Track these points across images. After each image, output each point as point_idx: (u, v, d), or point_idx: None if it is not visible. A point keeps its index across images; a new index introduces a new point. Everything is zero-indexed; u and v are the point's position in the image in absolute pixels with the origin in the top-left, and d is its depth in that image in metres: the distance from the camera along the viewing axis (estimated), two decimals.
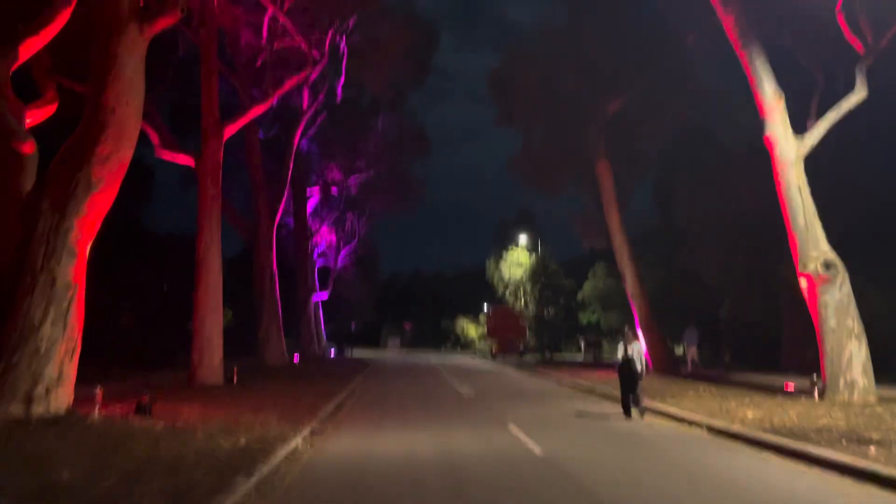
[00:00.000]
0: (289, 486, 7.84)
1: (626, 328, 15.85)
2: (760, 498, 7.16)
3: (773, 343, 30.43)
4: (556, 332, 51.32)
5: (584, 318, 54.94)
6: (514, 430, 12.13)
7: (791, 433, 10.56)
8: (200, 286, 20.61)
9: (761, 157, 25.15)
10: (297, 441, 10.58)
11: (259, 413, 13.38)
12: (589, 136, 25.81)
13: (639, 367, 13.70)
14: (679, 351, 45.26)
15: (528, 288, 51.69)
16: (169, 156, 21.82)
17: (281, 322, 30.88)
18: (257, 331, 30.68)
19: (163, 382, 21.10)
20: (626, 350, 13.77)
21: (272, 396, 17.02)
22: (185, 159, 21.79)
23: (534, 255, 53.08)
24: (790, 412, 13.15)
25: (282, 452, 9.43)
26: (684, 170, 27.69)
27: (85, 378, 12.72)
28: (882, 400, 14.84)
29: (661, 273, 28.94)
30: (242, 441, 9.92)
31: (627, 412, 13.73)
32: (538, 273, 50.13)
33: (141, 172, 43.22)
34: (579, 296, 49.62)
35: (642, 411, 13.82)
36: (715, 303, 28.85)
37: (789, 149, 16.53)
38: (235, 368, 21.46)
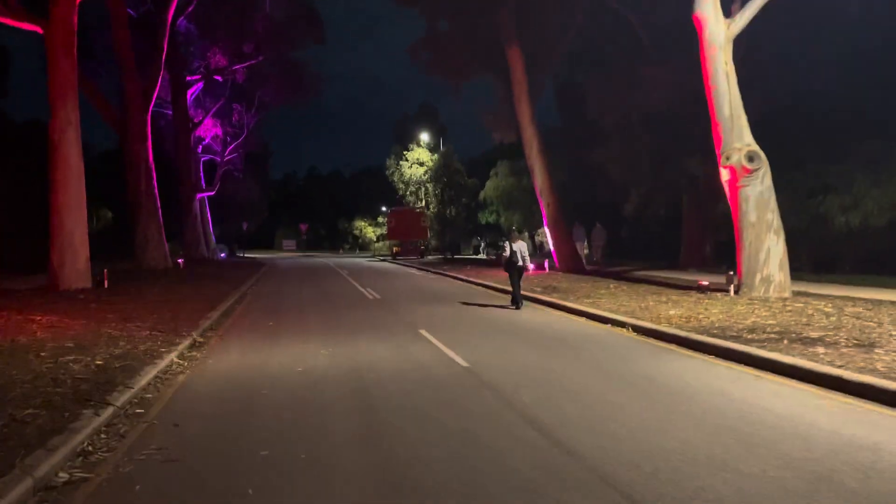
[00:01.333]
0: (152, 421, 6.12)
1: (512, 228, 18.06)
2: (729, 413, 6.14)
3: (673, 241, 30.75)
4: (458, 233, 50.54)
5: (485, 217, 54.40)
6: (427, 335, 10.81)
7: (723, 333, 9.81)
8: (57, 178, 17.66)
9: (675, 50, 24.31)
10: (170, 358, 8.78)
11: (128, 323, 11.42)
12: (499, 17, 23.77)
13: (520, 262, 15.26)
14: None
15: (430, 188, 50.22)
16: (11, 21, 18.10)
17: (161, 221, 27.97)
18: (134, 233, 27.71)
19: (21, 289, 18.43)
20: (511, 248, 15.35)
21: (148, 303, 14.95)
22: (31, 26, 18.15)
23: (436, 154, 51.36)
24: (712, 310, 12.57)
25: (148, 374, 7.64)
26: (596, 62, 26.34)
27: None
28: (796, 295, 14.60)
29: (569, 170, 28.01)
30: (99, 360, 8.04)
31: (516, 303, 15.15)
32: (440, 172, 48.57)
33: None
34: (481, 195, 48.63)
35: (520, 302, 15.20)
36: (621, 200, 28.42)
37: (719, 30, 15.36)
38: (106, 271, 18.97)
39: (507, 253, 15.48)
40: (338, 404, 6.62)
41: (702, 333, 9.95)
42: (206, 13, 36.96)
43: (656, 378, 7.60)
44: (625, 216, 28.90)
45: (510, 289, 15.49)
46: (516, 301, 15.17)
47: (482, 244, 55.45)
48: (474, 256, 48.50)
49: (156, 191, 27.81)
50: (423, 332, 11.16)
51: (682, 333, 10.10)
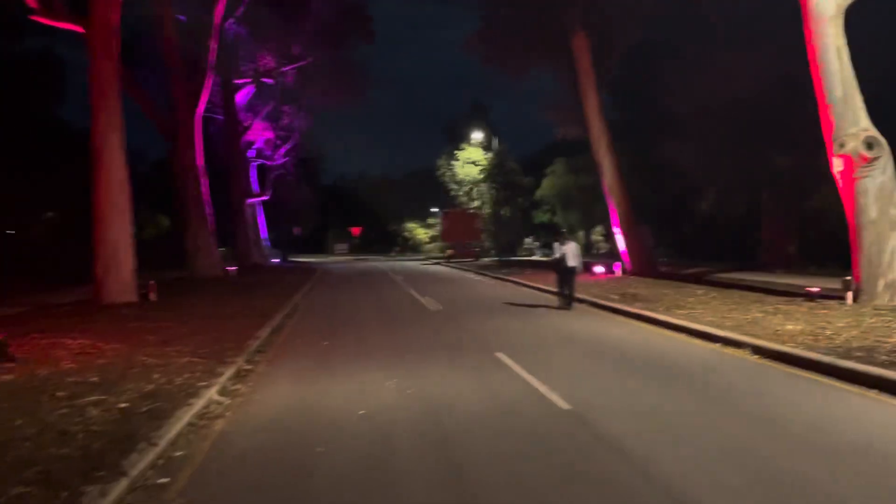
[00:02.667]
0: (175, 500, 4.66)
1: (562, 230, 18.10)
2: None
3: (746, 240, 28.43)
4: (514, 234, 48.77)
5: (539, 217, 52.46)
6: (507, 361, 9.18)
7: (871, 357, 7.94)
8: (100, 184, 16.71)
9: (757, 36, 22.14)
10: (210, 395, 7.37)
11: (167, 346, 10.11)
12: (563, 4, 21.99)
13: (572, 264, 15.38)
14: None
15: (484, 187, 48.58)
16: (52, 21, 17.27)
17: (212, 228, 27.11)
18: (184, 240, 26.91)
19: (65, 302, 17.57)
20: (562, 250, 15.50)
21: (193, 318, 13.75)
22: (72, 26, 17.26)
23: (489, 153, 49.71)
24: (836, 323, 10.63)
25: (181, 421, 6.23)
26: (667, 50, 24.29)
27: None
28: None
29: (639, 166, 26.02)
30: (124, 402, 6.68)
31: (565, 304, 15.42)
32: (495, 171, 46.88)
33: (50, 64, 37.79)
34: (537, 194, 46.84)
35: (570, 302, 15.49)
36: (693, 198, 26.29)
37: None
38: (153, 283, 17.96)
39: (558, 255, 15.64)
40: (415, 470, 5.07)
41: (846, 358, 8.08)
42: (255, 15, 36.17)
43: (829, 429, 5.81)
44: (697, 215, 26.70)
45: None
46: (567, 302, 15.47)
47: (536, 245, 53.48)
48: (529, 258, 46.60)
49: (206, 196, 26.97)
50: (502, 356, 9.54)
51: (825, 358, 8.22)
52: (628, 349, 10.07)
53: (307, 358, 10.03)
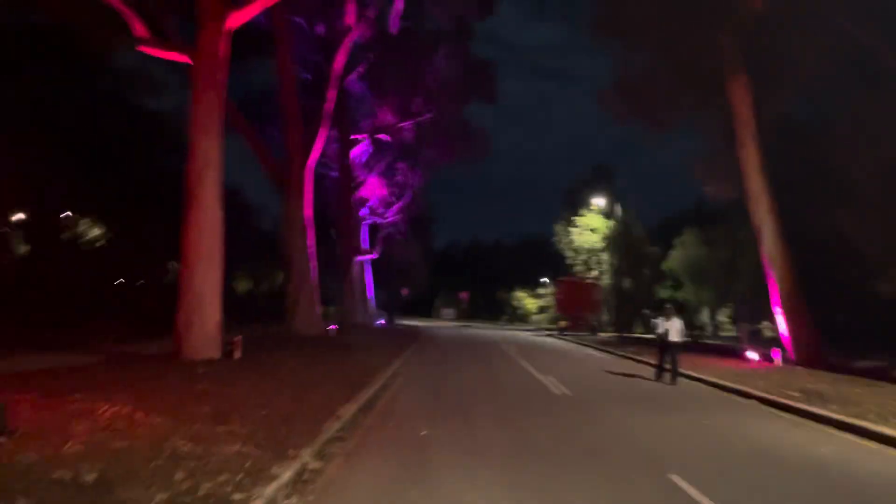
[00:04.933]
0: None
1: (667, 306, 16.97)
2: None
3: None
4: (637, 307, 44.64)
5: (662, 292, 48.05)
6: (691, 492, 6.06)
7: None
8: (190, 225, 15.09)
9: None
10: None
11: (219, 425, 7.71)
12: (719, 45, 19.03)
13: (675, 339, 15.59)
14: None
15: (605, 256, 45.06)
16: (158, 52, 16.26)
17: (316, 283, 25.40)
18: (284, 294, 25.32)
19: (146, 354, 15.89)
20: (665, 325, 15.74)
21: (270, 385, 11.43)
22: (179, 56, 16.15)
23: (611, 220, 46.34)
24: None
25: None
26: (845, 96, 20.63)
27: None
28: None
29: (801, 235, 22.04)
30: None
31: (667, 379, 15.42)
32: (617, 239, 43.36)
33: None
34: (665, 265, 42.75)
35: (675, 377, 15.40)
36: (870, 275, 21.90)
37: None
38: (238, 339, 16.01)
39: (661, 330, 16.01)
40: None
41: None
42: (377, 70, 35.52)
43: None
44: (876, 294, 22.18)
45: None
46: (668, 374, 15.52)
47: (655, 319, 48.78)
48: (646, 336, 42.28)
49: (311, 250, 25.39)
50: (678, 481, 6.42)
51: None
52: (860, 476, 6.66)
53: (398, 455, 7.29)
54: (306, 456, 6.81)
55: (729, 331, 49.12)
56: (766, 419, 10.71)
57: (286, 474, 6.07)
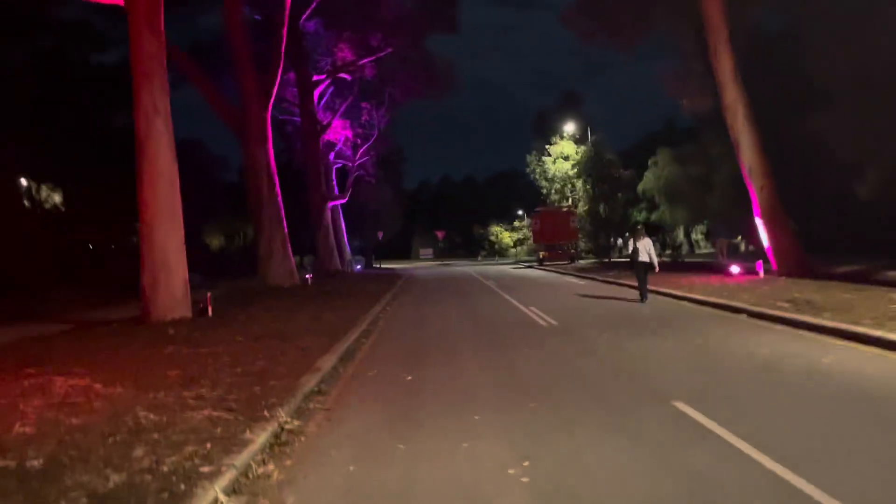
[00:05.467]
0: None
1: (638, 227, 17.37)
2: None
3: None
4: (614, 232, 44.47)
5: (636, 215, 47.91)
6: (700, 419, 5.61)
7: None
8: (144, 181, 14.18)
9: None
10: (211, 497, 4.25)
11: (190, 387, 7.22)
12: None
13: (646, 259, 15.79)
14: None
15: (579, 184, 44.55)
16: None
17: (286, 233, 24.58)
18: (256, 246, 24.54)
19: (115, 319, 15.20)
20: (634, 245, 16.04)
21: (244, 342, 10.87)
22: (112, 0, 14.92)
23: (583, 146, 45.69)
24: None
25: None
26: (817, 8, 19.83)
27: None
28: None
29: (776, 143, 21.54)
30: None
31: (643, 298, 15.82)
32: (590, 165, 42.82)
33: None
34: (639, 188, 42.39)
35: (644, 296, 15.87)
36: (847, 180, 21.64)
37: None
38: (210, 294, 15.36)
39: (630, 250, 16.36)
40: None
41: None
42: (331, 6, 33.86)
43: None
44: (845, 202, 21.98)
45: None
46: (644, 295, 15.91)
47: (630, 242, 48.72)
48: (624, 259, 42.28)
49: (279, 198, 24.46)
50: (684, 407, 6.00)
51: None
52: (869, 385, 6.31)
53: (382, 406, 6.79)
54: (283, 415, 6.27)
55: (706, 248, 49.35)
56: (759, 332, 10.40)
57: (260, 438, 5.54)
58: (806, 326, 10.51)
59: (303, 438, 5.81)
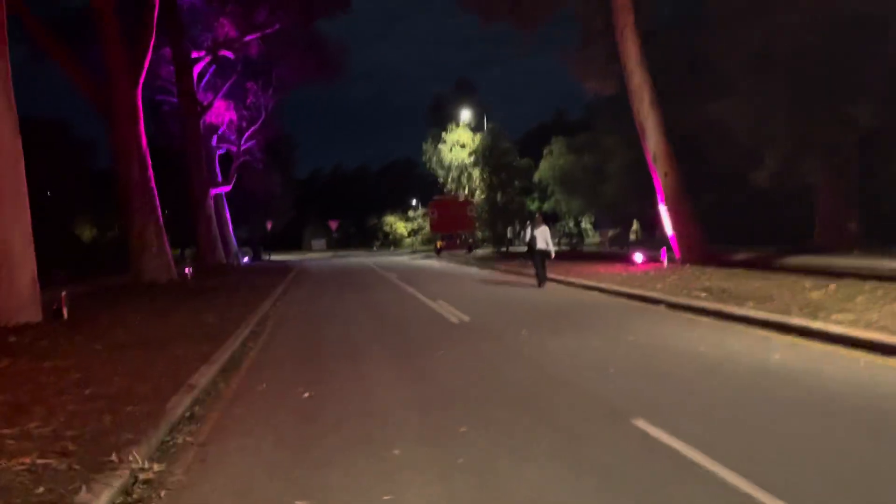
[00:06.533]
0: None
1: (536, 214, 18.01)
2: None
3: (796, 218, 24.20)
4: (511, 221, 44.21)
5: (531, 204, 48.00)
6: (684, 449, 4.56)
7: None
8: None
9: None
10: None
11: (19, 422, 5.45)
12: None
13: (543, 246, 16.19)
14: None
15: (476, 172, 43.90)
16: None
17: (161, 223, 22.16)
18: (127, 237, 22.00)
19: None
20: (531, 233, 16.37)
21: (104, 350, 9.06)
22: None
23: (479, 134, 45.05)
24: None
25: None
26: None
27: None
28: None
29: (678, 130, 21.46)
30: None
31: (540, 283, 16.26)
32: (487, 153, 42.25)
33: None
34: (535, 176, 42.31)
35: (542, 282, 16.31)
36: (744, 165, 21.88)
37: None
38: (64, 294, 13.15)
39: (528, 238, 16.65)
40: None
41: None
42: None
43: None
44: (751, 187, 22.27)
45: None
46: (542, 280, 16.36)
47: (528, 230, 48.80)
48: (521, 249, 42.15)
49: (153, 184, 21.99)
50: (650, 428, 4.93)
51: None
52: (842, 389, 5.54)
53: (274, 440, 5.32)
54: (139, 458, 4.72)
55: (594, 237, 50.13)
56: (687, 326, 9.69)
57: (102, 498, 4.00)
58: (733, 318, 9.91)
59: (163, 494, 4.29)
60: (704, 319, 10.22)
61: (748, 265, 17.34)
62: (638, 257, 20.11)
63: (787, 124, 19.45)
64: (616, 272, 17.90)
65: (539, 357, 7.92)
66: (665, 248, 19.25)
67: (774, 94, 19.40)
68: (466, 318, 11.58)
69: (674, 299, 11.97)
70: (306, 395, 6.70)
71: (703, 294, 12.11)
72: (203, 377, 7.40)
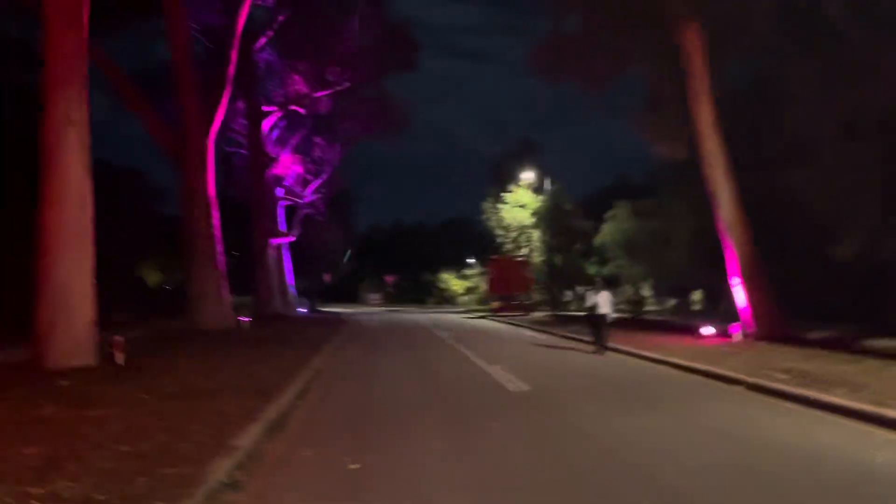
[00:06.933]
0: None
1: (596, 279, 18.97)
2: None
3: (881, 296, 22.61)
4: (568, 284, 43.26)
5: (590, 268, 46.96)
6: None
7: None
8: (48, 200, 12.03)
9: None
10: None
11: (48, 479, 5.11)
12: None
13: (605, 311, 16.01)
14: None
15: (536, 234, 43.36)
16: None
17: (223, 271, 22.37)
18: (187, 284, 22.22)
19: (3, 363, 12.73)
20: (594, 298, 16.30)
21: (154, 400, 8.79)
22: None
23: (540, 195, 44.71)
24: None
25: None
26: (795, 56, 19.10)
27: None
28: None
29: (749, 198, 20.55)
30: None
31: (600, 350, 15.96)
32: (548, 215, 41.76)
33: None
34: (597, 241, 41.43)
35: (603, 349, 15.94)
36: (823, 240, 20.69)
37: None
38: (119, 340, 13.05)
39: (590, 303, 16.69)
40: None
41: None
42: (287, 36, 32.34)
43: None
44: (834, 261, 21.00)
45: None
46: (602, 347, 16.03)
47: (591, 293, 47.56)
48: (581, 313, 40.95)
49: (217, 232, 22.31)
50: None
51: None
52: None
53: None
54: None
55: (653, 305, 48.54)
56: (771, 412, 8.80)
57: None
58: (819, 405, 8.96)
59: None
60: (787, 405, 9.30)
61: (827, 345, 16.12)
62: (707, 330, 19.04)
63: (873, 199, 18.37)
64: (683, 345, 16.92)
65: (607, 439, 7.22)
66: (738, 322, 18.17)
67: (860, 166, 18.43)
68: (526, 388, 10.90)
69: (751, 380, 11.03)
70: (353, 466, 6.18)
71: (784, 376, 11.13)
72: (248, 437, 6.97)
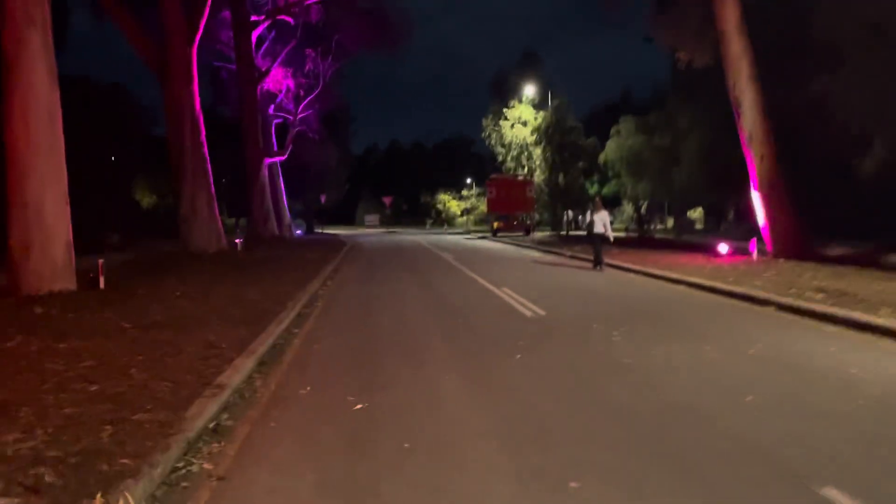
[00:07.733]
0: None
1: (595, 198, 18.17)
2: None
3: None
4: (573, 203, 42.25)
5: (591, 186, 45.83)
6: None
7: None
8: (13, 111, 10.85)
9: None
10: None
11: (1, 427, 4.16)
12: None
13: (601, 230, 16.34)
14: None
15: (538, 151, 41.97)
16: None
17: (213, 191, 21.26)
18: (177, 204, 21.15)
19: None
20: (591, 217, 16.75)
21: (135, 330, 7.95)
22: None
23: (542, 111, 43.06)
24: None
25: None
26: None
27: None
28: None
29: (775, 108, 19.23)
30: None
31: (596, 266, 16.51)
32: (551, 131, 40.26)
33: None
34: (601, 157, 40.15)
35: (597, 265, 16.47)
36: (849, 154, 19.58)
37: None
38: (101, 262, 12.19)
39: (588, 222, 17.28)
40: None
41: None
42: None
43: None
44: (860, 173, 19.95)
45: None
46: (598, 263, 16.45)
47: (589, 214, 46.61)
48: (581, 233, 40.12)
49: (205, 149, 21.09)
50: (840, 497, 3.44)
51: None
52: None
53: (315, 483, 3.97)
54: (137, 495, 3.45)
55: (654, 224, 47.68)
56: (819, 338, 7.96)
57: None
58: (870, 329, 8.16)
59: None
60: (832, 329, 8.50)
61: (853, 262, 15.32)
62: (723, 248, 18.23)
63: None
64: (699, 264, 16.12)
65: (646, 371, 6.39)
66: (755, 238, 17.31)
67: (889, 70, 17.14)
68: (542, 312, 10.08)
69: (783, 300, 10.23)
70: (358, 406, 5.36)
71: (819, 296, 10.33)
72: (237, 373, 6.14)
